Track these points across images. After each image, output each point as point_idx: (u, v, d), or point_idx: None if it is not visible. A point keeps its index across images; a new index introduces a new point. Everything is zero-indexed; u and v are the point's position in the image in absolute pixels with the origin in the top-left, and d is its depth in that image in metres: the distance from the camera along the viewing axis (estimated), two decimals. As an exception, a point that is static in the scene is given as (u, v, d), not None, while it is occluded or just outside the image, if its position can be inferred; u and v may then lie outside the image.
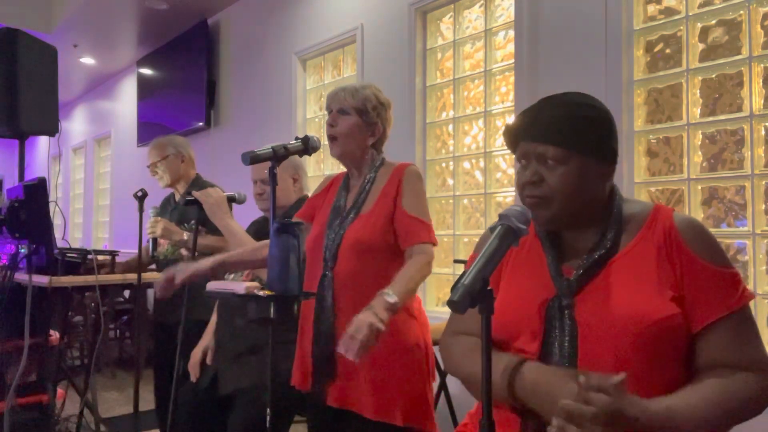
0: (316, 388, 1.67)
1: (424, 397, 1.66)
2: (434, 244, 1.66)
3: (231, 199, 2.18)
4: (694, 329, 1.04)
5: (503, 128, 1.20)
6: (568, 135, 1.09)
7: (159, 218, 2.63)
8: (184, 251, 2.81)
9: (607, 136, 1.12)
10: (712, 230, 2.33)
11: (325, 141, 1.85)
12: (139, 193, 2.61)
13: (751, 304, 1.08)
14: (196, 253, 2.76)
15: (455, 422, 2.57)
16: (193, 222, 2.78)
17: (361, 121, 1.74)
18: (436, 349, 2.68)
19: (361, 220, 1.69)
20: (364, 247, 1.65)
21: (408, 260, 1.63)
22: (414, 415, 1.63)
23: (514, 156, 1.16)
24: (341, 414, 1.66)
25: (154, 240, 2.62)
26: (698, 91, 2.42)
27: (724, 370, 1.02)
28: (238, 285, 1.57)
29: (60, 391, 2.82)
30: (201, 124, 5.32)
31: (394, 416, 1.59)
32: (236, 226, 2.04)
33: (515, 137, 1.16)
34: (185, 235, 2.67)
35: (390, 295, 1.49)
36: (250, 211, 2.39)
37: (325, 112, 1.82)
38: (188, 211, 2.78)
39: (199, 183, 2.97)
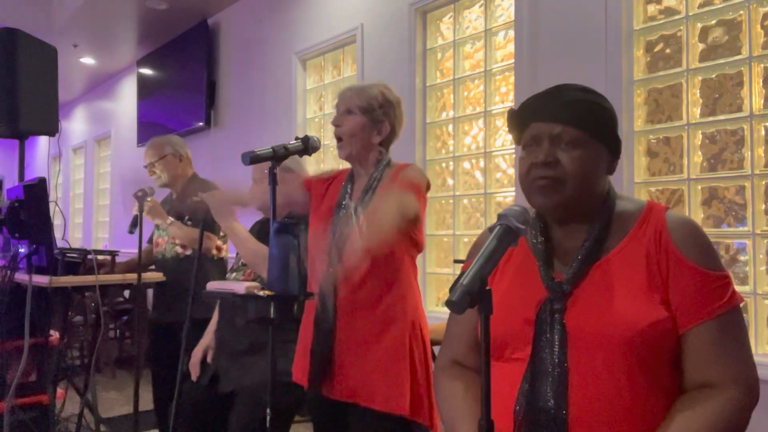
0: (313, 386, 1.67)
1: (429, 392, 1.67)
2: (422, 194, 1.68)
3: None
4: (680, 332, 1.02)
5: (508, 111, 1.16)
6: (588, 118, 1.07)
7: (150, 198, 2.69)
8: (179, 249, 2.84)
9: (616, 129, 1.12)
10: (712, 230, 2.34)
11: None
12: (139, 193, 2.61)
13: (751, 304, 1.07)
14: (178, 242, 2.82)
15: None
16: (187, 219, 2.82)
17: (366, 120, 1.73)
18: (435, 349, 2.68)
19: None
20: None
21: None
22: (421, 409, 1.64)
23: (513, 156, 1.15)
24: (343, 408, 1.66)
25: (137, 217, 2.66)
26: (698, 91, 2.42)
27: (704, 393, 1.00)
28: (238, 285, 1.57)
29: (60, 391, 2.82)
30: (201, 124, 5.32)
31: (403, 406, 1.60)
32: (240, 228, 2.05)
33: (525, 118, 1.11)
34: (169, 220, 2.76)
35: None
36: (251, 215, 2.39)
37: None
38: (185, 209, 2.82)
39: (196, 181, 2.98)
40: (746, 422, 1.01)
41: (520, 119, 1.13)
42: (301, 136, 1.76)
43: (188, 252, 2.84)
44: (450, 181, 3.44)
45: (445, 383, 1.22)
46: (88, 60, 6.79)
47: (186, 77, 5.57)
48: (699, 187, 2.40)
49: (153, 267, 3.04)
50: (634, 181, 2.53)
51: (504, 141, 3.16)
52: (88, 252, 2.56)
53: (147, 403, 2.91)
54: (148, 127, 6.18)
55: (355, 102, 1.73)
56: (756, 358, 1.08)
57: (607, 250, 1.08)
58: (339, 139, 1.75)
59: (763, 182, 2.23)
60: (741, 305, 1.05)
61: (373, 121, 1.74)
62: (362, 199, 1.72)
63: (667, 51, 2.52)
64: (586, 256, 1.07)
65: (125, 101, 7.03)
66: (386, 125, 1.76)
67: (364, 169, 1.78)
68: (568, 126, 1.06)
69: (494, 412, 1.07)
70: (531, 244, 1.16)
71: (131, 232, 2.69)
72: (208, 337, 2.28)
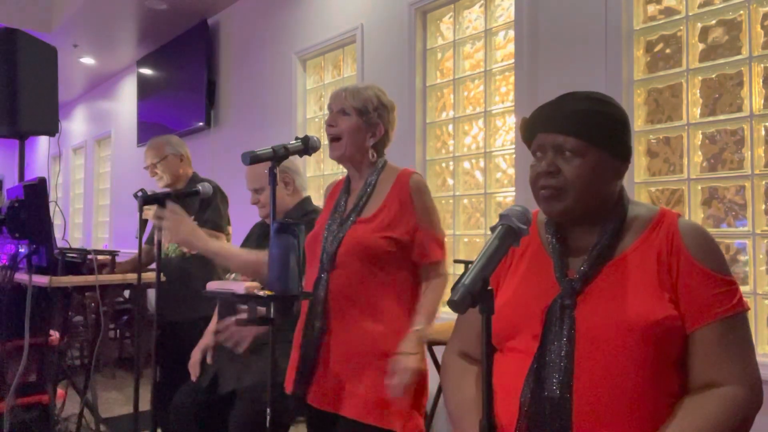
0: (296, 391, 1.66)
1: (416, 406, 1.63)
2: (445, 257, 1.76)
3: (195, 194, 2.14)
4: (687, 332, 1.05)
5: (520, 121, 1.20)
6: (586, 127, 1.09)
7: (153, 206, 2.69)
8: (185, 249, 2.84)
9: (623, 134, 1.13)
10: (712, 230, 2.34)
11: (325, 141, 1.84)
12: (139, 193, 2.61)
13: (752, 304, 1.08)
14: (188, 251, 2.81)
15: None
16: (192, 219, 2.81)
17: (361, 122, 1.72)
18: (435, 349, 2.68)
19: (361, 224, 1.67)
20: (363, 252, 1.63)
21: (425, 282, 1.71)
22: (411, 424, 1.60)
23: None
24: (331, 417, 1.65)
25: (144, 221, 2.65)
26: (698, 91, 2.42)
27: (708, 393, 1.01)
28: (238, 285, 1.57)
29: (60, 391, 2.82)
30: (201, 124, 5.32)
31: (391, 422, 1.57)
32: (218, 245, 2.03)
33: (533, 129, 1.16)
34: None
35: (417, 328, 1.61)
36: (252, 216, 2.39)
37: (326, 112, 1.81)
38: (187, 206, 2.81)
39: (197, 180, 2.99)
40: (750, 423, 1.02)
41: (529, 129, 1.17)
42: (301, 136, 1.76)
43: (193, 251, 2.85)
44: (450, 181, 3.44)
45: (452, 374, 1.25)
46: (88, 60, 6.78)
47: (186, 77, 5.57)
48: (699, 187, 2.40)
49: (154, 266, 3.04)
50: (634, 181, 2.53)
51: (504, 141, 3.16)
52: (88, 252, 2.56)
53: (147, 403, 2.90)
54: (148, 127, 6.18)
55: (350, 103, 1.72)
56: (756, 359, 1.08)
57: (620, 250, 1.11)
58: (336, 138, 1.74)
59: (763, 182, 2.23)
60: (747, 312, 1.07)
61: (368, 123, 1.73)
62: (357, 204, 1.72)
63: (667, 51, 2.52)
64: (599, 255, 1.10)
65: (125, 101, 7.03)
66: (381, 128, 1.75)
67: (359, 171, 1.78)
68: (569, 136, 1.09)
69: (500, 402, 1.08)
70: (545, 241, 1.18)
71: (137, 237, 2.67)
72: (207, 338, 2.27)
